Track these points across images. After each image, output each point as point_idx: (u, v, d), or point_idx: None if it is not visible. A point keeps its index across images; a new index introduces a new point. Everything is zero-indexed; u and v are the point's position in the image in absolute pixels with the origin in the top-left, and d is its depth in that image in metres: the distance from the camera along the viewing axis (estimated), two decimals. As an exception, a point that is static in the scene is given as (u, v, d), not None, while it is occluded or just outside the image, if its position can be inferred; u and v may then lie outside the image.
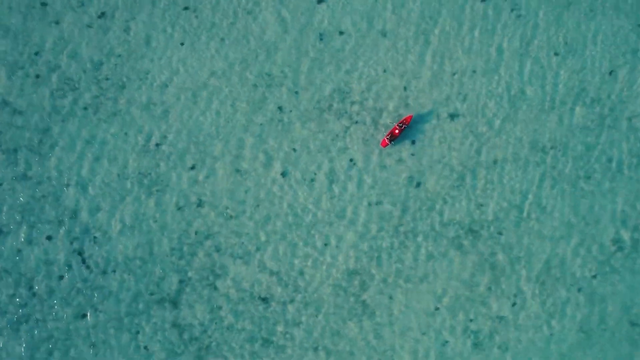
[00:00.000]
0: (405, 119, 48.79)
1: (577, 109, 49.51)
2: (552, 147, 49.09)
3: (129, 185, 50.00)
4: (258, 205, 49.50)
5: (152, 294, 48.88)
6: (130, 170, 50.09)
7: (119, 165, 50.20)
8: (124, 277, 49.08)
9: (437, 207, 48.92)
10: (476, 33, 50.58)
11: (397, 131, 48.73)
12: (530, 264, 47.91)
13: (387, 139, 48.86)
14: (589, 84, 49.80)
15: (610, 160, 48.90)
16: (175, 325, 48.63)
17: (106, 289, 49.01)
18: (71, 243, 49.47)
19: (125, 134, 50.48)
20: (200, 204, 49.66)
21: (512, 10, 50.63)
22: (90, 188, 49.96)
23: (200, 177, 49.95)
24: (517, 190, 48.83)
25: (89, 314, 48.80)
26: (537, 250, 47.94)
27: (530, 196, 48.68)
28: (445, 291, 47.83)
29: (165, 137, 50.36)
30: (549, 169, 48.95)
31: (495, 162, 49.18)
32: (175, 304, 48.81)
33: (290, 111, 50.40)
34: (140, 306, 48.84)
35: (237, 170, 49.88)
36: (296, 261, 48.84)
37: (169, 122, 50.44)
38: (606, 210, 48.37)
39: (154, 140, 50.36)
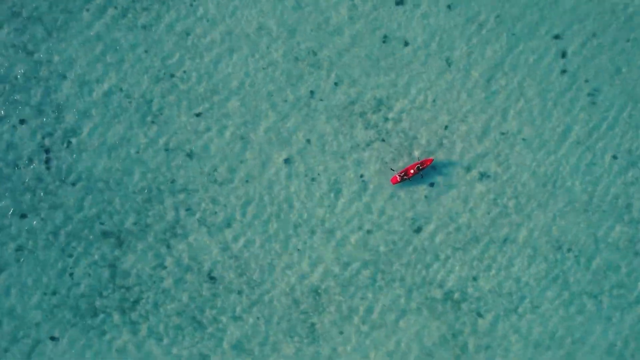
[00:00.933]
0: (424, 161, 44.77)
1: (614, 222, 44.87)
2: (570, 250, 44.67)
3: (127, 104, 45.79)
4: (248, 181, 45.31)
5: (102, 223, 44.55)
6: (135, 90, 45.87)
7: (126, 80, 46.11)
8: (81, 195, 44.86)
9: (428, 260, 44.63)
10: (544, 102, 46.03)
11: (412, 171, 44.27)
12: (499, 358, 43.31)
13: (399, 176, 44.34)
14: (636, 202, 45.16)
15: (623, 287, 44.42)
16: (112, 265, 44.34)
17: (58, 199, 44.80)
18: (42, 137, 45.45)
19: (146, 51, 46.38)
20: (190, 154, 45.41)
21: (589, 94, 46.12)
22: (86, 90, 45.87)
23: (202, 128, 45.75)
24: (517, 280, 44.47)
25: (29, 216, 44.41)
26: (512, 347, 44.14)
27: (527, 291, 44.28)
28: (400, 349, 43.93)
29: (185, 72, 46.21)
30: (559, 271, 44.46)
31: (506, 240, 44.82)
32: (121, 244, 44.53)
33: (321, 100, 46.08)
34: (85, 231, 44.59)
35: (242, 137, 45.68)
36: (262, 255, 44.50)
37: (195, 59, 46.28)
38: (598, 337, 43.95)
39: (171, 70, 46.07)
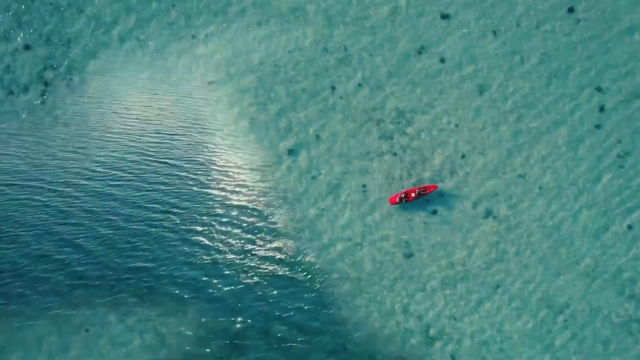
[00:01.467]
0: (428, 187, 42.76)
1: (615, 295, 42.35)
2: (562, 313, 42.31)
3: (140, 56, 44.56)
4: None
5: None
6: (151, 43, 44.18)
7: (145, 30, 44.84)
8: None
9: (412, 289, 42.44)
10: (571, 153, 43.47)
11: (412, 195, 41.71)
12: (462, 408, 41.39)
13: (400, 198, 41.75)
14: (641, 280, 42.87)
15: (610, 366, 42.07)
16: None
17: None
18: (44, 69, 43.10)
19: (173, 6, 44.60)
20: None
21: (619, 156, 43.50)
22: (101, 31, 44.04)
23: (212, 96, 43.35)
24: (500, 330, 42.09)
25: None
26: (476, 397, 41.51)
27: (508, 344, 42.20)
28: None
29: (207, 36, 44.67)
30: (545, 331, 41.98)
31: (498, 287, 42.60)
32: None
33: (341, 98, 43.70)
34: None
35: (251, 118, 43.20)
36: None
37: (221, 25, 44.19)
38: (571, 411, 41.65)
39: (194, 31, 44.65)
